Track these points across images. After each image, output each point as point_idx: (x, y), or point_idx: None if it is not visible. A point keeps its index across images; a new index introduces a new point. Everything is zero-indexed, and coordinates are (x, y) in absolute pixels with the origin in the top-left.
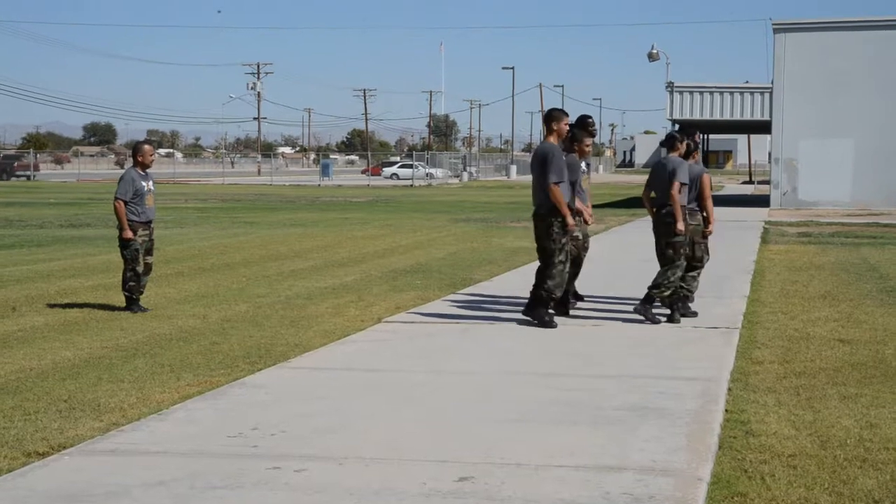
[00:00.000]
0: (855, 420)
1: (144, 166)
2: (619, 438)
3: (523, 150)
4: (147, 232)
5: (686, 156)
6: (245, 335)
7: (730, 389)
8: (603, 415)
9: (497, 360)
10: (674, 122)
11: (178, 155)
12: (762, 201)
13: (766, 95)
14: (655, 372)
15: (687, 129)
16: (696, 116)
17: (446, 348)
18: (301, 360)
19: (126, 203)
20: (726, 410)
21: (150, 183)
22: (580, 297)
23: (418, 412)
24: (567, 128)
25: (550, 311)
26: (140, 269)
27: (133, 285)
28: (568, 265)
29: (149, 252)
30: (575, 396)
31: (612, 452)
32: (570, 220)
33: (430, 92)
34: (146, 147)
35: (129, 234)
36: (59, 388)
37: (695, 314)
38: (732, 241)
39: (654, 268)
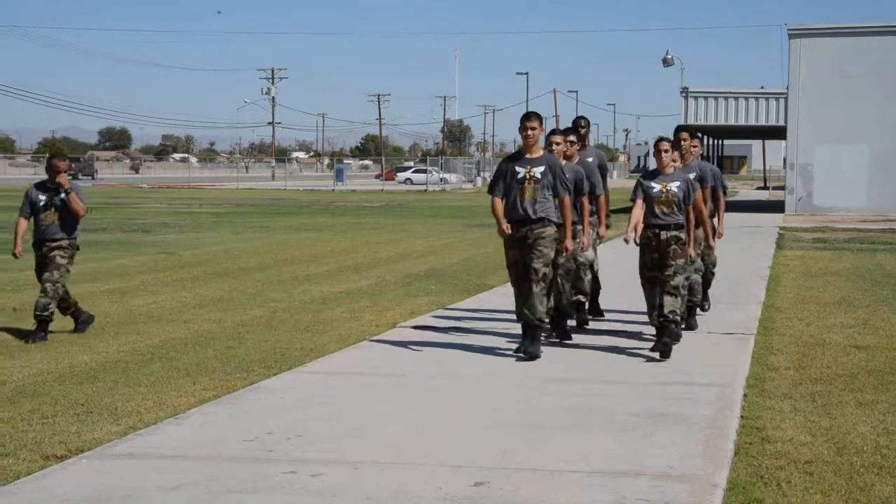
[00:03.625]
0: (871, 427)
1: (54, 180)
2: (635, 444)
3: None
4: (44, 251)
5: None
6: (260, 339)
7: (745, 395)
8: (617, 420)
9: (511, 365)
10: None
11: (193, 160)
12: (777, 207)
13: (781, 101)
14: (670, 378)
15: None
16: (711, 122)
17: (460, 353)
18: (316, 364)
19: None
20: (742, 416)
21: (61, 196)
22: (598, 313)
23: (433, 417)
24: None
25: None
26: (43, 289)
27: (37, 304)
28: (542, 285)
29: (45, 268)
30: (589, 402)
31: (627, 458)
32: (500, 226)
33: (444, 97)
34: (54, 161)
35: (15, 251)
36: (77, 391)
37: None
38: (747, 246)
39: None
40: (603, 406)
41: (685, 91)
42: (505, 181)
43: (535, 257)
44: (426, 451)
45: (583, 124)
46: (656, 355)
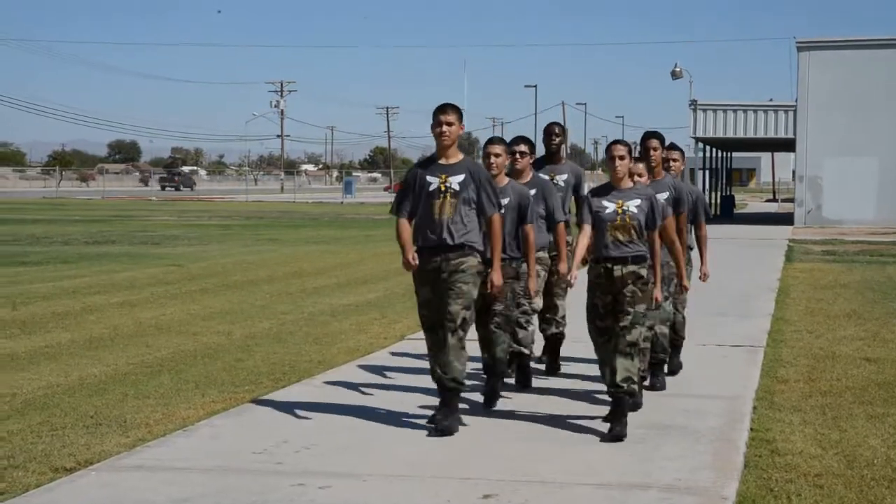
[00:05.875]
0: (882, 440)
1: None
2: (643, 457)
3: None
4: None
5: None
6: (269, 352)
7: (755, 408)
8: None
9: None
10: (697, 139)
11: (202, 172)
12: (786, 219)
13: (791, 113)
14: (678, 390)
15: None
16: (720, 134)
17: (469, 364)
18: (325, 376)
19: None
20: (751, 429)
21: None
22: (550, 368)
23: None
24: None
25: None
26: None
27: None
28: (461, 334)
29: None
30: (598, 414)
31: (635, 470)
32: (405, 257)
33: None
34: None
35: None
36: (86, 404)
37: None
38: (757, 258)
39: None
40: None
41: (693, 104)
42: (414, 195)
43: (452, 297)
44: (435, 463)
45: (557, 132)
46: (612, 441)
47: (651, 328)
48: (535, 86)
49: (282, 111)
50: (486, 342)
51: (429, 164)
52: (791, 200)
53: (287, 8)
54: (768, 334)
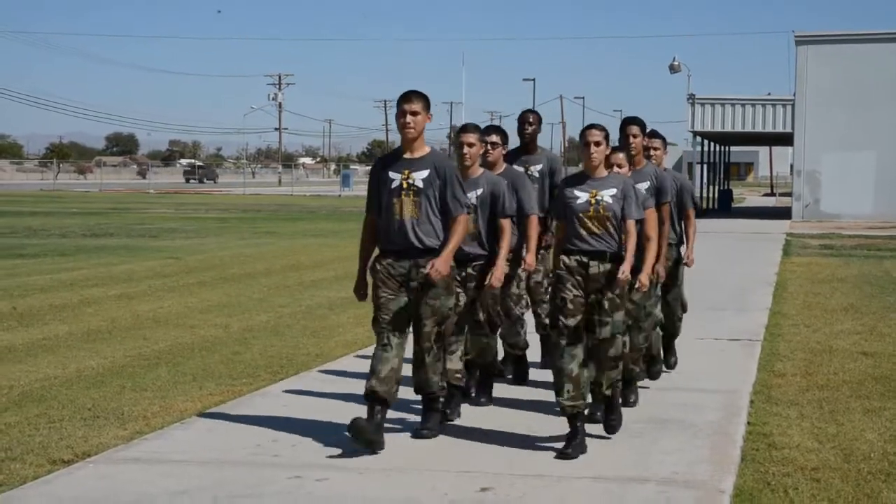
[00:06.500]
0: (879, 433)
1: None
2: (641, 450)
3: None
4: None
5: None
6: (266, 345)
7: (752, 402)
8: (623, 427)
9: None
10: (695, 133)
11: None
12: (784, 213)
13: (789, 107)
14: (676, 384)
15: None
16: (718, 128)
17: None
18: (322, 369)
19: None
20: (748, 423)
21: None
22: (517, 376)
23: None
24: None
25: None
26: None
27: None
28: (438, 346)
29: None
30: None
31: (633, 464)
32: (357, 285)
33: (451, 103)
34: None
35: None
36: (84, 396)
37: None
38: (754, 253)
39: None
40: None
41: (692, 98)
42: (377, 192)
43: (425, 314)
44: (432, 456)
45: (531, 120)
46: (607, 432)
47: (646, 338)
48: (534, 79)
49: (280, 104)
50: (471, 347)
51: (392, 158)
52: (789, 195)
53: (285, 0)
54: (765, 328)
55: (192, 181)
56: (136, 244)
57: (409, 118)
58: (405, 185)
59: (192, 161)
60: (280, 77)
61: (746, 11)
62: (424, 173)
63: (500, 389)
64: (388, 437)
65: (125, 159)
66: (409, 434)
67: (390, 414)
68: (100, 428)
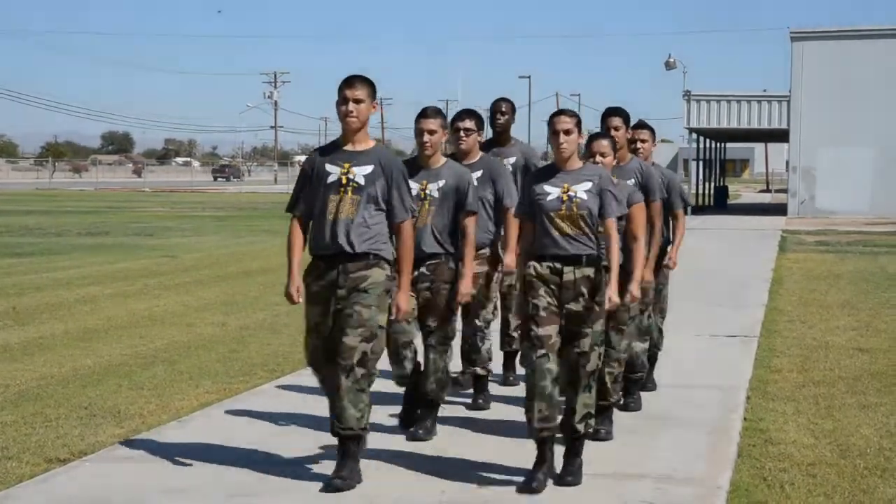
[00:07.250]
0: (875, 429)
1: None
2: (638, 447)
3: (540, 159)
4: None
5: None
6: (263, 343)
7: (748, 398)
8: (620, 423)
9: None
10: (691, 130)
11: (196, 164)
12: (780, 210)
13: (784, 104)
14: (673, 381)
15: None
16: (714, 125)
17: None
18: None
19: None
20: (745, 419)
21: None
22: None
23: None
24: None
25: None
26: None
27: None
28: (360, 371)
29: None
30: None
31: (630, 461)
32: (288, 287)
33: (447, 101)
34: None
35: None
36: (80, 395)
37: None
38: (750, 249)
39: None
40: None
41: (687, 94)
42: (311, 189)
43: (349, 326)
44: (429, 453)
45: (504, 109)
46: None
47: (626, 349)
48: (529, 76)
49: (275, 102)
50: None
51: (331, 150)
52: (784, 191)
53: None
54: (762, 325)
55: (219, 179)
56: (132, 242)
57: (351, 106)
58: (344, 181)
59: (222, 160)
60: (275, 75)
61: (742, 8)
62: (367, 169)
63: (498, 388)
64: (385, 436)
65: (120, 158)
66: (405, 437)
67: (386, 411)
68: (96, 426)
